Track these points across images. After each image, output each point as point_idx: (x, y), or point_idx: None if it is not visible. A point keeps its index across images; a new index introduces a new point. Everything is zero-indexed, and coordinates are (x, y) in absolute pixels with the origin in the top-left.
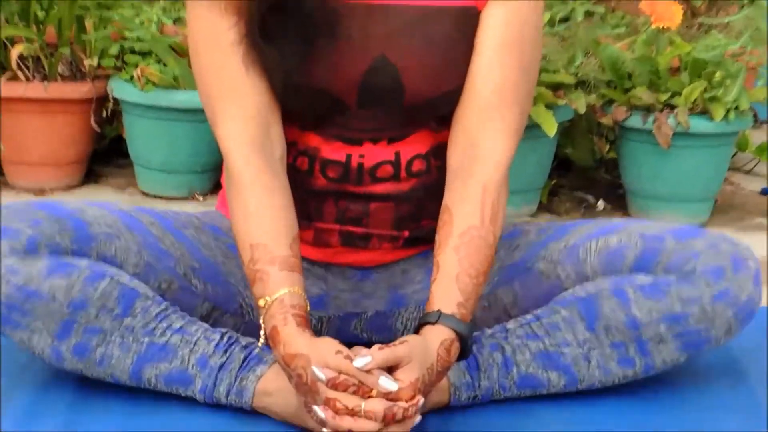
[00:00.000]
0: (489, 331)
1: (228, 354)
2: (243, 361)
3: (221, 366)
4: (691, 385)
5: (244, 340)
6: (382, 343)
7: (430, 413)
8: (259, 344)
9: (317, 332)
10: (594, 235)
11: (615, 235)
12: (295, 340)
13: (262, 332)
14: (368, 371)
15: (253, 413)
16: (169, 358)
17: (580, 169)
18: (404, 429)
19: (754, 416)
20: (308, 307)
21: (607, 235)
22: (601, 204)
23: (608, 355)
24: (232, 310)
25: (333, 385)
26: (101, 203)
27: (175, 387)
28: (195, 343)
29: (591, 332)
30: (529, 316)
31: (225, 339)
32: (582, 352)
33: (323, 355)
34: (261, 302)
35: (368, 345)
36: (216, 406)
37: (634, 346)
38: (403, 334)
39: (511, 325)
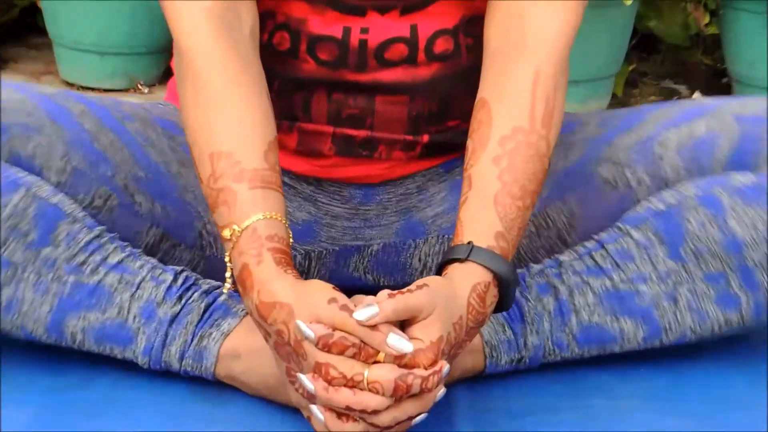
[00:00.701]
0: (536, 267)
1: (183, 302)
2: (204, 312)
3: (173, 318)
4: None
5: (205, 284)
6: (392, 288)
7: (458, 384)
8: (225, 290)
9: (304, 273)
10: (675, 122)
11: (702, 120)
12: (273, 283)
13: (228, 274)
14: (373, 327)
15: (216, 384)
16: (101, 306)
17: (669, 49)
18: (423, 406)
19: None
20: (291, 239)
21: (692, 121)
22: (697, 97)
23: (702, 292)
24: (189, 241)
25: (325, 345)
26: (18, 84)
27: (109, 346)
28: (138, 286)
29: (675, 260)
30: (590, 244)
31: (180, 281)
32: (665, 289)
33: (312, 305)
34: (226, 233)
35: (374, 291)
36: (165, 374)
37: (736, 277)
38: (421, 276)
39: (566, 257)
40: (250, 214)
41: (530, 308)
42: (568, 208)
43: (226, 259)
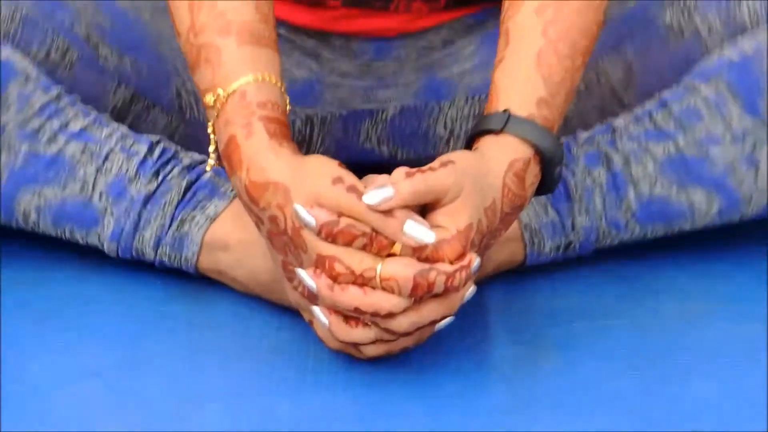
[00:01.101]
0: (584, 135)
1: (161, 178)
2: (185, 192)
3: (148, 197)
4: None
5: (186, 157)
6: (412, 162)
7: (491, 281)
8: (208, 167)
9: (305, 143)
10: None
11: None
12: (266, 159)
13: (212, 147)
14: (387, 212)
15: (198, 280)
16: (60, 180)
17: None
18: (448, 309)
19: None
20: (288, 104)
21: None
22: None
23: None
24: (165, 101)
25: (329, 234)
26: None
27: (69, 228)
28: (105, 158)
29: (753, 116)
30: (650, 103)
31: (156, 153)
32: (742, 151)
33: (312, 185)
34: (209, 98)
35: (390, 167)
36: (136, 265)
37: None
38: (448, 147)
39: (620, 120)
40: (238, 76)
41: (578, 183)
42: (624, 60)
43: (209, 129)
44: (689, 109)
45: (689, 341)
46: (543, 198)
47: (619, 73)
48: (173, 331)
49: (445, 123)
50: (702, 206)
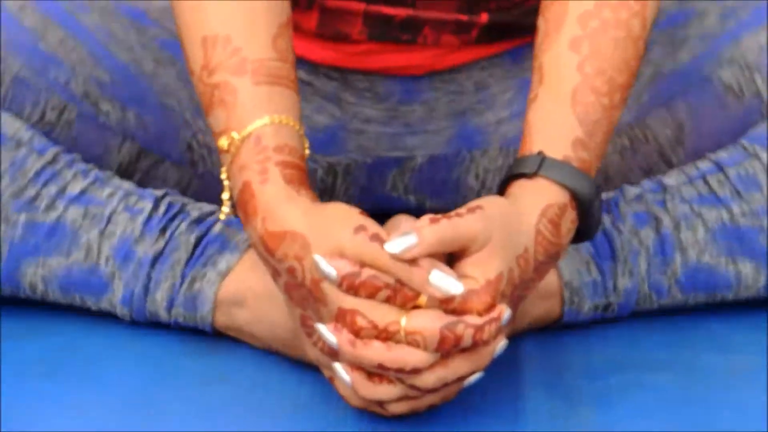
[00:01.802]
0: (632, 191)
1: (168, 235)
2: (194, 248)
3: (156, 257)
4: None
5: (195, 209)
6: (440, 213)
7: (526, 337)
8: (221, 216)
9: (327, 193)
10: None
11: None
12: (283, 207)
13: (226, 195)
14: (412, 262)
15: (214, 337)
16: (63, 248)
17: None
18: (477, 364)
19: None
20: (307, 149)
21: None
22: None
23: None
24: (175, 155)
25: (351, 287)
26: None
27: (79, 296)
28: (108, 220)
29: None
30: (704, 164)
31: (162, 209)
32: None
33: (332, 235)
34: (223, 142)
35: (417, 216)
36: (152, 327)
37: None
38: (479, 197)
39: (672, 179)
40: (254, 118)
41: (624, 243)
42: (676, 118)
43: (223, 176)
44: (746, 176)
45: (734, 397)
46: (586, 254)
47: (669, 132)
48: (187, 387)
49: (477, 174)
50: (749, 278)
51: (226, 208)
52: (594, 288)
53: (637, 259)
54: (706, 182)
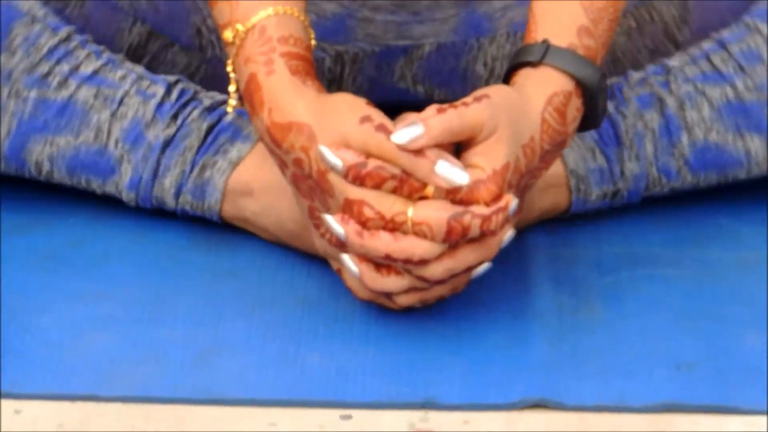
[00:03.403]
0: (636, 75)
1: (180, 121)
2: (206, 135)
3: (167, 142)
4: None
5: (207, 98)
6: (446, 102)
7: (535, 228)
8: (229, 108)
9: (335, 82)
10: None
11: None
12: (289, 98)
13: (232, 87)
14: (418, 152)
15: (221, 228)
16: (73, 127)
17: None
18: (485, 254)
19: None
20: (312, 39)
21: None
22: None
23: None
24: (184, 39)
25: (357, 177)
26: None
27: (85, 177)
28: (120, 102)
29: None
30: (707, 43)
31: (174, 95)
32: None
33: (339, 125)
34: (228, 34)
35: (422, 107)
36: (157, 214)
37: None
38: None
39: (675, 61)
40: (258, 9)
41: (628, 127)
42: None
43: (229, 68)
44: (750, 51)
45: (744, 292)
46: (591, 141)
47: (674, 10)
48: (195, 280)
49: (485, 62)
50: (759, 154)
51: (233, 101)
52: (601, 175)
53: (643, 142)
54: (710, 60)
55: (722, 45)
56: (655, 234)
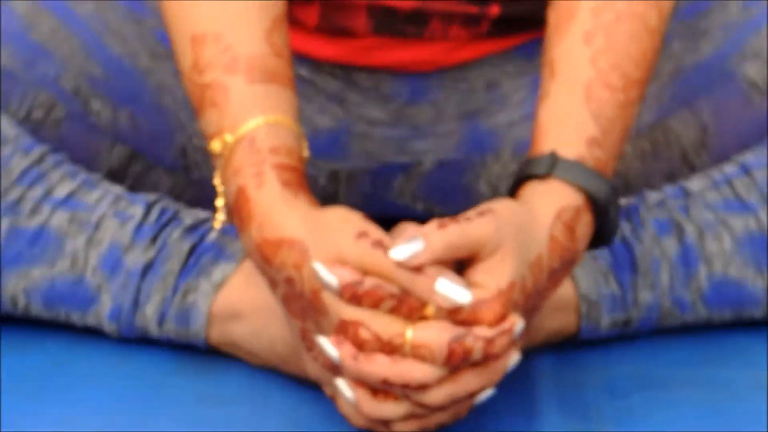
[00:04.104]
0: (654, 197)
1: (159, 244)
2: (188, 257)
3: (147, 267)
4: None
5: (188, 217)
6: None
7: (541, 351)
8: (216, 224)
9: (327, 202)
10: None
11: None
12: (280, 213)
13: (220, 201)
14: (418, 270)
15: (209, 354)
16: (48, 257)
17: None
18: (488, 379)
19: None
20: (306, 150)
21: None
22: None
23: None
24: (168, 160)
25: (353, 296)
26: None
27: (63, 310)
28: (96, 226)
29: None
30: (730, 167)
31: (153, 215)
32: None
33: (333, 241)
34: (216, 145)
35: (420, 221)
36: (142, 343)
37: None
38: None
39: (695, 184)
40: (248, 118)
41: (644, 253)
42: (698, 119)
43: (216, 181)
44: None
45: (765, 415)
46: (605, 265)
47: (691, 133)
48: (180, 406)
49: (489, 180)
50: None
51: (220, 216)
52: (613, 302)
53: (659, 271)
54: (732, 186)
55: (746, 170)
56: (669, 353)
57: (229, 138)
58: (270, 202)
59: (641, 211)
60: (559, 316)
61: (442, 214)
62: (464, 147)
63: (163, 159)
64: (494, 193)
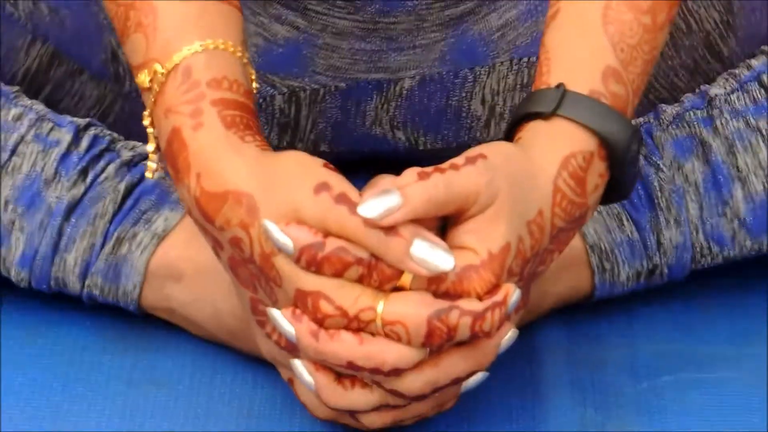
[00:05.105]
0: (670, 111)
1: (89, 178)
2: (124, 198)
3: (73, 205)
4: None
5: (127, 148)
6: (438, 156)
7: (549, 320)
8: (148, 173)
9: (288, 130)
10: None
11: None
12: (223, 159)
13: (150, 146)
14: (391, 228)
15: (141, 321)
16: None
17: None
18: (477, 362)
19: None
20: (254, 81)
21: None
22: None
23: None
24: (96, 65)
25: (312, 261)
26: None
27: None
28: (13, 151)
29: None
30: (758, 61)
31: (85, 142)
32: None
33: (289, 195)
34: (143, 78)
35: (409, 163)
36: (57, 300)
37: None
38: (488, 133)
39: (719, 87)
40: (181, 44)
41: (664, 182)
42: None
43: (146, 122)
44: None
45: None
46: (616, 206)
47: (715, 16)
48: (109, 389)
49: (483, 97)
50: None
51: (152, 164)
52: (631, 248)
53: (684, 201)
54: (763, 85)
55: None
56: (706, 326)
57: (158, 69)
58: (211, 147)
59: (655, 131)
60: (567, 275)
61: (428, 146)
62: (450, 59)
63: (90, 63)
64: (491, 114)
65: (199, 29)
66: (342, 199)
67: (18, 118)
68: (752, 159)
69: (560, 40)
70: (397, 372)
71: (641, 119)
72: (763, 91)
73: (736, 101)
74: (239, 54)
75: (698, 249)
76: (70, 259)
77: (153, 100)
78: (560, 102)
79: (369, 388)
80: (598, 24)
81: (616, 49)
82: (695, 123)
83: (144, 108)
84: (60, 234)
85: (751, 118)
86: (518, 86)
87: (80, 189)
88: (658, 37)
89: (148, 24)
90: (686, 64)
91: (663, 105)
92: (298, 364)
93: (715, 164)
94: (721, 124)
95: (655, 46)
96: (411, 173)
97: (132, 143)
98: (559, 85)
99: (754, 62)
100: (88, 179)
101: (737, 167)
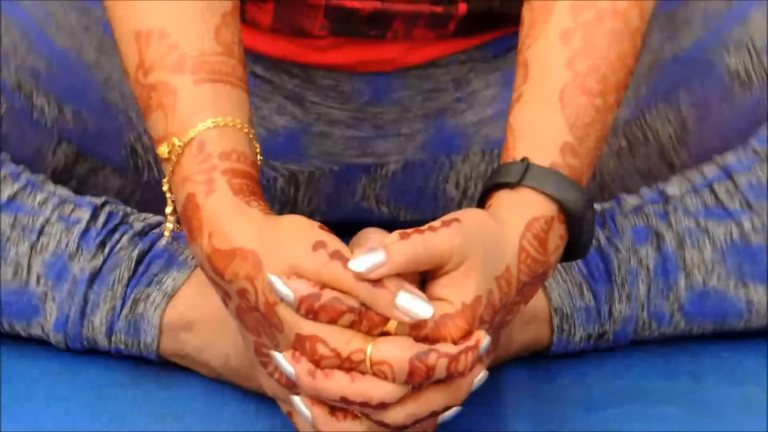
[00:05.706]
0: (630, 202)
1: (108, 250)
2: (137, 264)
3: (94, 275)
4: None
5: (138, 221)
6: (417, 226)
7: (512, 365)
8: (165, 233)
9: (288, 206)
10: None
11: None
12: (231, 222)
13: (169, 209)
14: (379, 282)
15: (161, 366)
16: None
17: None
18: (453, 398)
19: None
20: (259, 155)
21: None
22: None
23: None
24: (117, 160)
25: (310, 310)
26: None
27: (6, 320)
28: (41, 231)
29: None
30: (710, 170)
31: (101, 219)
32: None
33: (289, 252)
34: (163, 149)
35: (391, 229)
36: (87, 354)
37: None
38: (461, 208)
39: (674, 188)
40: (196, 121)
41: (621, 262)
42: (677, 113)
43: (165, 188)
44: (759, 184)
45: None
46: (579, 276)
47: (670, 129)
48: (130, 422)
49: (458, 182)
50: (762, 306)
51: (170, 224)
52: (587, 315)
53: (636, 282)
54: (713, 191)
55: (728, 174)
56: (648, 366)
57: (176, 142)
58: (221, 211)
59: (617, 217)
60: (531, 328)
61: (409, 219)
62: (430, 147)
63: (112, 159)
64: (463, 196)
65: (212, 108)
66: (336, 255)
67: (44, 202)
68: (698, 255)
69: (523, 120)
70: (383, 406)
71: (606, 204)
72: (713, 197)
73: (689, 202)
74: (246, 130)
75: (641, 323)
76: (96, 321)
77: (171, 169)
78: (525, 173)
79: (359, 419)
80: (557, 106)
81: (573, 128)
82: (652, 215)
83: (160, 194)
84: (86, 300)
85: (701, 220)
86: (489, 173)
87: (99, 260)
88: (608, 117)
89: (168, 103)
90: (640, 168)
91: (624, 194)
92: (297, 400)
93: (666, 254)
94: (675, 220)
95: (606, 124)
96: (394, 235)
97: (143, 215)
98: (524, 159)
99: (706, 169)
100: (106, 250)
101: (684, 260)
